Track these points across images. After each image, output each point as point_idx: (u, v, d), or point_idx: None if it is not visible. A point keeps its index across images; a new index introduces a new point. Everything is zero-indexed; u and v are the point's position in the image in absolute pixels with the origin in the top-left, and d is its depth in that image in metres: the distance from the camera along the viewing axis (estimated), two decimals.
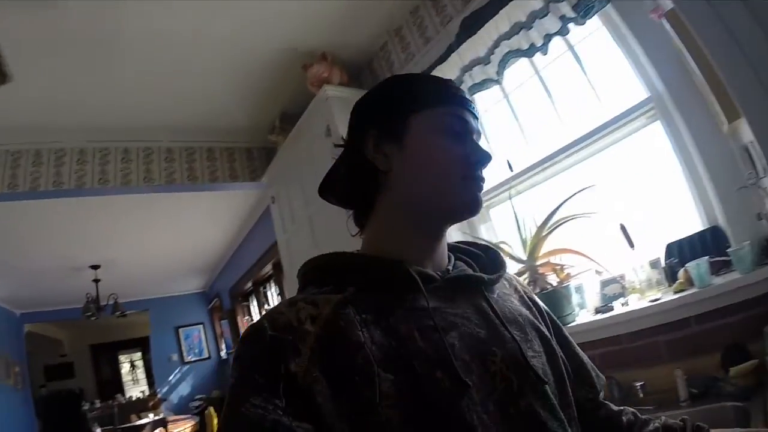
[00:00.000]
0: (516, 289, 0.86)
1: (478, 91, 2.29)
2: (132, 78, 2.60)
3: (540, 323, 0.80)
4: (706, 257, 1.62)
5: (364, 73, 3.06)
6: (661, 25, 1.66)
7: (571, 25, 1.95)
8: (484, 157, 0.74)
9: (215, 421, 5.29)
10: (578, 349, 0.88)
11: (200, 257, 6.50)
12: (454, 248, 0.84)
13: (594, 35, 2.05)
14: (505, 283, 0.85)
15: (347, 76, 2.78)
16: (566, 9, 1.92)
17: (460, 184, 0.72)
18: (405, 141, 0.74)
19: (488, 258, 0.84)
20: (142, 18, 2.21)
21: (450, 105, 0.76)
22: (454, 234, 2.21)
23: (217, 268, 7.23)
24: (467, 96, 0.79)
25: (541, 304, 0.88)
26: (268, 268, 5.08)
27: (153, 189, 3.15)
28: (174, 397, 7.68)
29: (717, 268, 1.65)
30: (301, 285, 0.75)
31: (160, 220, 4.59)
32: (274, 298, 5.48)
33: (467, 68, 2.31)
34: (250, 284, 5.92)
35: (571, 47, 2.14)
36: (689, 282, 1.64)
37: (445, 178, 0.72)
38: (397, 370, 0.59)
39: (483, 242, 0.90)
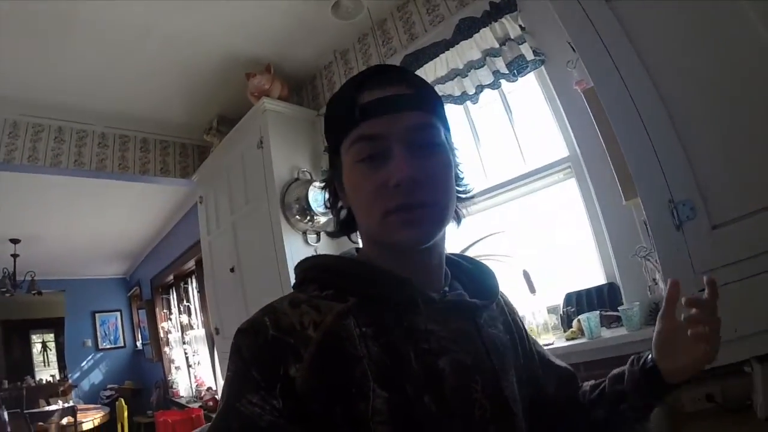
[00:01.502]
0: (502, 311, 0.80)
1: None
2: (76, 59, 2.34)
3: (518, 342, 0.77)
4: (599, 311, 1.68)
5: (305, 89, 2.93)
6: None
7: (503, 81, 1.96)
8: (404, 178, 0.59)
9: (125, 413, 4.87)
10: (551, 358, 0.87)
11: (124, 243, 5.99)
12: (451, 262, 0.77)
13: (528, 87, 2.06)
14: (494, 305, 0.78)
15: (287, 91, 2.64)
16: (501, 65, 1.94)
17: (384, 223, 0.62)
18: (342, 178, 0.67)
19: (481, 279, 0.77)
20: (99, 3, 2.03)
21: (355, 126, 0.63)
22: None
23: (141, 256, 6.70)
24: (389, 88, 0.63)
25: (520, 322, 0.84)
26: (191, 264, 4.76)
27: (83, 173, 2.86)
28: (85, 384, 6.95)
29: (609, 322, 1.70)
30: (300, 281, 0.68)
31: (88, 202, 4.18)
32: (194, 294, 5.16)
33: None
34: (171, 277, 5.53)
35: (503, 97, 2.14)
36: (581, 331, 1.68)
37: (368, 217, 0.64)
38: (391, 389, 0.56)
39: (480, 263, 0.81)
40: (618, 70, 1.32)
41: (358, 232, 0.74)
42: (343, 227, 0.74)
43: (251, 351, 0.57)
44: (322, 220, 2.43)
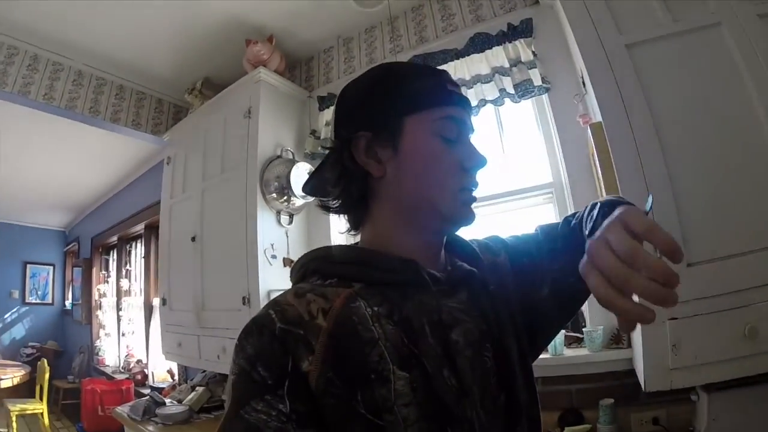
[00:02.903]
0: (490, 263, 0.75)
1: None
2: None
3: (508, 289, 0.72)
4: (563, 330, 1.72)
5: (299, 68, 2.80)
6: (583, 129, 1.74)
7: (507, 100, 1.96)
8: (480, 162, 0.66)
9: (47, 375, 4.45)
10: (538, 248, 0.79)
11: (71, 193, 5.46)
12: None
13: (521, 109, 2.07)
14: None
15: (284, 66, 2.53)
16: (508, 84, 1.96)
17: (456, 197, 0.64)
18: (400, 146, 0.64)
19: (463, 246, 0.74)
20: None
21: (446, 105, 0.65)
22: None
23: (85, 211, 6.18)
24: (462, 93, 0.69)
25: (505, 257, 0.77)
26: (139, 228, 4.45)
27: (50, 109, 2.56)
28: (5, 338, 6.30)
29: (570, 342, 1.80)
30: (302, 274, 0.66)
31: (42, 139, 3.72)
32: (137, 260, 4.85)
33: None
34: (115, 238, 5.16)
35: (497, 113, 2.15)
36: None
37: (441, 189, 0.64)
38: (411, 368, 0.54)
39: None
40: (626, 111, 1.42)
41: (371, 207, 0.67)
42: (351, 195, 0.67)
43: (256, 348, 0.53)
44: (298, 202, 2.34)
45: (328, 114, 2.48)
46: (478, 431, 0.56)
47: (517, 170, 2.09)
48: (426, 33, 2.40)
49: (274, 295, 2.12)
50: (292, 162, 2.33)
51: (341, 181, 0.67)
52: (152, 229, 4.03)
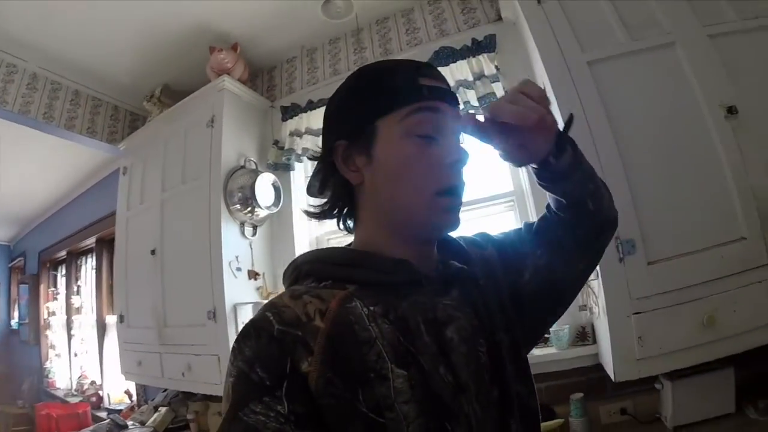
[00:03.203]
0: (479, 257, 0.74)
1: None
2: None
3: (498, 281, 0.72)
4: None
5: (261, 78, 2.76)
6: None
7: (471, 112, 2.01)
8: (461, 157, 0.62)
9: None
10: (519, 237, 0.80)
11: (17, 204, 4.97)
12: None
13: None
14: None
15: (248, 75, 2.47)
16: (472, 96, 2.02)
17: (434, 203, 0.61)
18: (373, 151, 0.62)
19: (451, 244, 0.73)
20: None
21: (419, 100, 0.61)
22: None
23: (32, 224, 5.69)
24: (440, 83, 0.65)
25: (492, 250, 0.77)
26: (90, 241, 4.15)
27: (2, 114, 2.38)
28: None
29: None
30: (295, 277, 0.65)
31: None
32: (88, 274, 4.57)
33: None
34: (64, 253, 4.85)
35: None
36: None
37: (416, 195, 0.61)
38: (408, 366, 0.55)
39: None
40: (587, 121, 1.49)
41: (352, 220, 0.69)
42: (335, 205, 0.68)
43: (254, 350, 0.52)
44: (262, 213, 2.29)
45: (292, 124, 2.45)
46: (475, 426, 0.56)
47: (480, 179, 2.13)
48: (390, 45, 2.42)
49: (240, 309, 2.09)
50: (256, 172, 2.28)
51: (325, 190, 0.68)
52: (104, 243, 3.80)
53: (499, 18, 2.17)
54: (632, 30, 1.56)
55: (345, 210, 0.69)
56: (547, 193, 0.74)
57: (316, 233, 2.47)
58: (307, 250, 2.40)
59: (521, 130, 0.60)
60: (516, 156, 0.65)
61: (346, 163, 0.64)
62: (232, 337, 2.05)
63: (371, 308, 0.57)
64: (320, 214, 0.70)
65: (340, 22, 2.32)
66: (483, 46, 2.06)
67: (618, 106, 1.50)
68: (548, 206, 0.77)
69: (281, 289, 2.67)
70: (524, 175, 1.98)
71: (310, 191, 0.72)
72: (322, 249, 0.67)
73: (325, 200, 0.69)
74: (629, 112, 1.49)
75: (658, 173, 1.44)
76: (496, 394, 0.61)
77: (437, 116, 0.62)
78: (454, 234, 0.74)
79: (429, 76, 0.64)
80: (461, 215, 0.65)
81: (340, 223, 0.70)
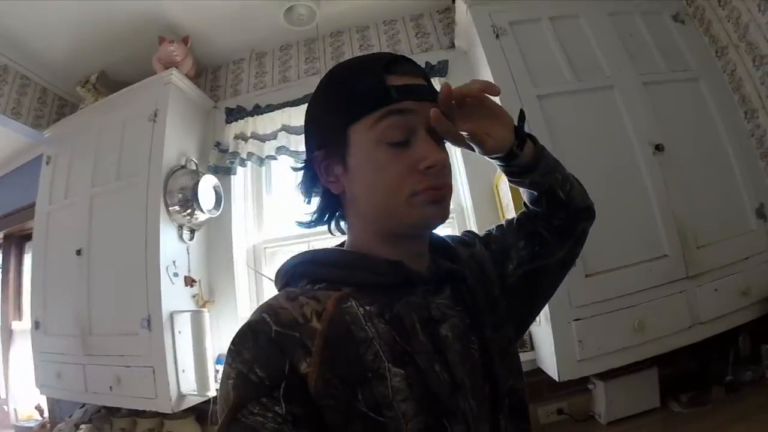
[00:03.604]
0: (468, 257, 0.75)
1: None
2: None
3: (488, 276, 0.73)
4: None
5: (205, 76, 2.60)
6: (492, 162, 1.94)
7: None
8: (434, 162, 0.58)
9: None
10: (502, 232, 0.82)
11: None
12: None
13: None
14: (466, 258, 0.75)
15: (194, 72, 2.33)
16: None
17: (408, 203, 0.58)
18: (348, 160, 0.61)
19: (439, 243, 0.74)
20: None
21: (388, 103, 0.58)
22: None
23: None
24: (412, 77, 0.61)
25: (480, 247, 0.78)
26: None
27: None
28: None
29: None
30: (289, 279, 0.64)
31: None
32: None
33: (284, 128, 2.25)
34: None
35: None
36: None
37: (391, 199, 0.59)
38: (405, 365, 0.55)
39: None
40: None
41: (343, 223, 0.69)
42: (323, 215, 0.68)
43: (252, 352, 0.52)
44: (201, 217, 2.14)
45: (237, 127, 2.34)
46: (471, 422, 0.57)
47: None
48: (343, 59, 2.43)
49: (177, 317, 1.92)
50: (197, 173, 2.14)
51: (311, 198, 0.69)
52: (15, 239, 3.25)
53: (452, 46, 2.30)
54: (578, 71, 1.75)
55: (334, 216, 0.69)
56: (521, 189, 0.78)
57: (254, 241, 2.37)
58: (241, 259, 2.31)
59: (483, 115, 0.65)
60: (486, 144, 0.66)
61: (326, 172, 0.64)
62: (169, 347, 1.90)
63: (367, 308, 0.57)
64: (310, 224, 0.69)
65: (298, 30, 2.29)
66: (436, 69, 2.17)
67: (563, 137, 1.66)
68: (524, 203, 0.82)
69: (218, 297, 2.47)
70: (467, 194, 2.08)
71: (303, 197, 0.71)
72: (316, 250, 0.66)
73: (313, 210, 0.69)
74: (572, 143, 1.65)
75: (596, 198, 1.55)
76: (488, 390, 0.62)
77: (407, 118, 0.59)
78: (442, 234, 0.76)
79: (399, 72, 0.60)
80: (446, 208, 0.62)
81: (331, 228, 0.70)
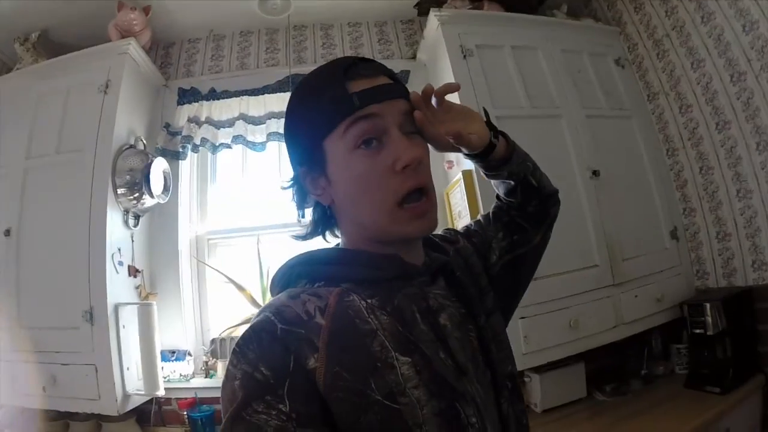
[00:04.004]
0: (455, 254, 0.76)
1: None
2: None
3: (475, 268, 0.75)
4: None
5: (156, 51, 2.39)
6: (446, 172, 2.08)
7: None
8: (412, 158, 0.58)
9: None
10: (480, 227, 0.84)
11: None
12: None
13: None
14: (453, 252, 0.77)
15: (149, 45, 2.15)
16: None
17: (393, 218, 0.59)
18: (329, 173, 0.61)
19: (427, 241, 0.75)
20: None
21: (353, 111, 0.58)
22: None
23: None
24: (372, 79, 0.60)
25: (464, 242, 0.80)
26: None
27: None
28: None
29: None
30: (287, 280, 0.63)
31: None
32: None
33: (242, 117, 2.20)
34: None
35: None
36: None
37: (378, 211, 0.59)
38: (411, 352, 0.55)
39: None
40: None
41: (337, 230, 0.70)
42: (318, 227, 0.69)
43: (257, 352, 0.51)
44: (149, 203, 1.99)
45: (191, 110, 2.22)
46: (481, 405, 0.58)
47: None
48: (305, 55, 2.42)
49: (122, 310, 1.78)
50: (146, 155, 1.98)
51: (303, 212, 0.70)
52: None
53: (413, 57, 2.39)
54: (532, 98, 1.95)
55: (328, 226, 0.70)
56: (496, 183, 0.82)
57: (197, 232, 2.26)
58: (186, 248, 2.17)
59: (458, 118, 0.69)
60: (471, 142, 0.69)
61: (312, 186, 0.64)
62: (114, 343, 1.76)
63: (368, 301, 0.57)
64: (306, 236, 0.70)
65: (267, 18, 2.22)
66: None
67: None
68: (497, 196, 0.85)
69: (160, 288, 2.35)
70: None
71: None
72: (312, 251, 0.66)
73: (309, 223, 0.70)
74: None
75: None
76: (489, 376, 0.64)
77: (374, 122, 0.58)
78: None
79: (359, 77, 0.60)
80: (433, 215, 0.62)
81: (326, 237, 0.71)
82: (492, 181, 0.82)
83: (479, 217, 0.88)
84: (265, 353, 0.51)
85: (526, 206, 0.81)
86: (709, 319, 1.71)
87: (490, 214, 0.86)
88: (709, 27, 1.86)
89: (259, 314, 0.55)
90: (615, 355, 1.96)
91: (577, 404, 1.82)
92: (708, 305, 1.72)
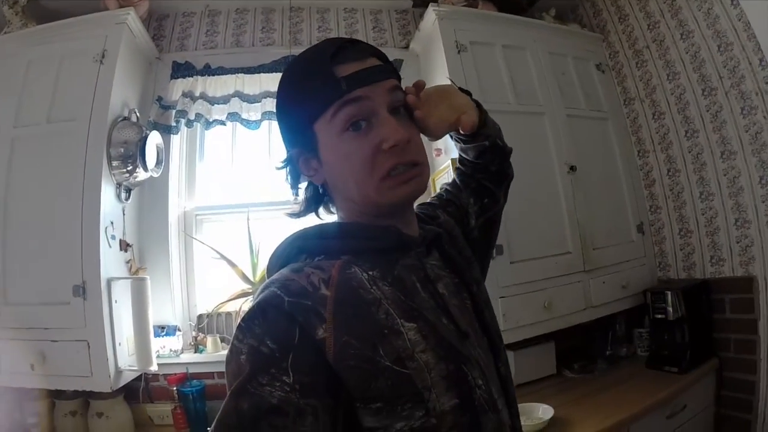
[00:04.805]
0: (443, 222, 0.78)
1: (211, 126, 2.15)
2: None
3: (458, 240, 0.77)
4: None
5: (149, 23, 2.27)
6: (435, 159, 2.11)
7: None
8: (396, 140, 0.58)
9: None
10: (452, 195, 0.86)
11: None
12: None
13: None
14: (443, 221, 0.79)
15: (147, 17, 2.06)
16: None
17: (379, 189, 0.59)
18: (320, 154, 0.63)
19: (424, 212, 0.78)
20: None
21: (341, 96, 0.58)
22: None
23: None
24: (359, 62, 0.60)
25: (444, 215, 0.80)
26: None
27: None
28: None
29: None
30: (288, 255, 0.63)
31: None
32: None
33: (237, 94, 2.15)
34: None
35: None
36: None
37: (363, 186, 0.60)
38: (415, 319, 0.56)
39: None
40: None
41: (333, 207, 0.71)
42: (311, 205, 0.70)
43: (263, 326, 0.51)
44: (141, 176, 1.93)
45: (185, 84, 2.15)
46: (484, 368, 0.60)
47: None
48: (301, 36, 2.39)
49: (114, 284, 1.74)
50: (140, 128, 1.92)
51: (296, 190, 0.71)
52: None
53: (406, 47, 2.40)
54: (519, 96, 2.03)
55: (321, 204, 0.71)
56: (467, 147, 0.82)
57: (187, 207, 2.22)
58: (174, 224, 2.12)
59: (446, 104, 0.71)
60: (469, 121, 0.71)
61: (305, 167, 0.65)
62: (107, 318, 1.72)
63: (370, 273, 0.58)
64: (300, 214, 0.71)
65: None
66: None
67: None
68: (461, 161, 0.87)
69: (150, 264, 2.31)
70: None
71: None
72: (311, 226, 0.65)
73: (302, 201, 0.71)
74: None
75: (522, 203, 1.85)
76: (486, 341, 0.65)
77: (362, 105, 0.59)
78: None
79: (347, 60, 0.59)
80: (421, 180, 0.62)
81: (320, 215, 0.72)
82: (461, 146, 0.82)
83: (445, 185, 0.89)
84: (270, 327, 0.51)
85: (490, 166, 0.84)
86: (670, 306, 1.85)
87: (458, 181, 0.87)
88: (687, 44, 1.98)
89: (263, 290, 0.55)
90: (583, 336, 2.10)
91: (548, 380, 1.95)
92: (669, 293, 1.86)
